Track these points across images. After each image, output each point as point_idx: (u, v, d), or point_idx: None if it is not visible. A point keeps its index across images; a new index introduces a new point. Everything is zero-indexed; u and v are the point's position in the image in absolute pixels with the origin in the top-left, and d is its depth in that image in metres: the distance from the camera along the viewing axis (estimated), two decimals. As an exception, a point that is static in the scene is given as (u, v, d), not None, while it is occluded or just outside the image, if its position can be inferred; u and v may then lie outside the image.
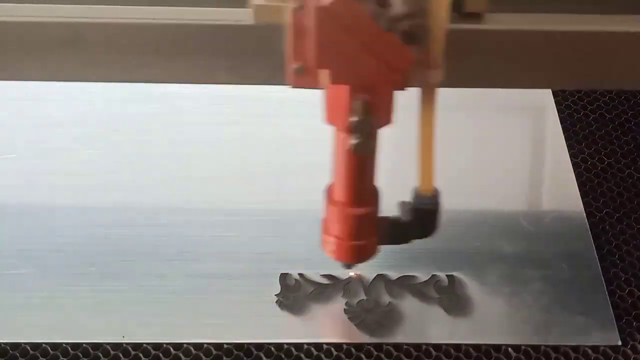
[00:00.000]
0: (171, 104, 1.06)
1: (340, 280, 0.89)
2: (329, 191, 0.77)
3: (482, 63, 0.76)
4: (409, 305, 0.88)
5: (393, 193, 1.00)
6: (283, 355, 0.85)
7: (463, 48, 0.72)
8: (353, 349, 0.85)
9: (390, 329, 0.86)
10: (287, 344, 0.85)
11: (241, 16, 0.76)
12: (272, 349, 0.85)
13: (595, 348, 0.86)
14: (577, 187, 0.99)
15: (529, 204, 0.99)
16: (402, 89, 0.69)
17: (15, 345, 0.84)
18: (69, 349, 0.84)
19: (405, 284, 0.89)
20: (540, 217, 0.96)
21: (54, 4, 0.80)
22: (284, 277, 0.90)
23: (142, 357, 0.84)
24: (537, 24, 0.74)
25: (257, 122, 1.05)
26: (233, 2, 0.77)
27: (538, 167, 1.04)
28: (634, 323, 0.88)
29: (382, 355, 0.85)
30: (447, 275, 0.90)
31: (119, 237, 0.93)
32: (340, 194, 0.76)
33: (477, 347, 0.86)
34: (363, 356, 0.85)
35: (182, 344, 0.85)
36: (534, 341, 0.86)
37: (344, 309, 0.88)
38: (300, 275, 0.90)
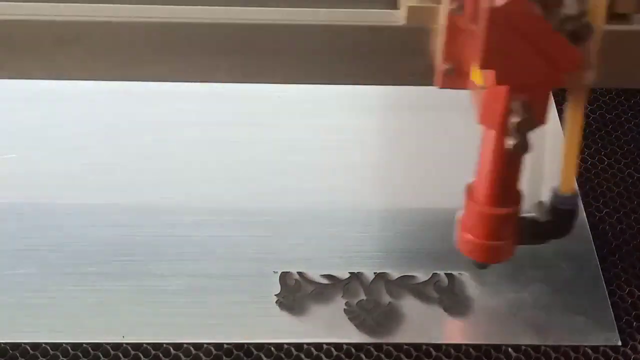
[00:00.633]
0: (171, 104, 1.06)
1: (340, 280, 0.89)
2: (471, 190, 0.77)
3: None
4: (409, 305, 0.88)
5: (393, 193, 1.00)
6: (283, 355, 0.85)
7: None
8: (353, 349, 0.85)
9: (390, 329, 0.86)
10: (287, 344, 0.85)
11: (393, 18, 0.76)
12: (272, 349, 0.85)
13: (595, 348, 0.86)
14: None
15: (529, 204, 0.99)
16: (558, 89, 0.69)
17: (15, 345, 0.84)
18: (69, 349, 0.84)
19: (405, 284, 0.89)
20: (541, 217, 0.96)
21: (53, 3, 0.80)
22: (284, 277, 0.90)
23: (142, 357, 0.84)
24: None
25: (257, 122, 1.05)
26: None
27: (538, 167, 1.04)
28: (634, 323, 0.88)
29: (382, 355, 0.85)
30: (447, 275, 0.90)
31: (119, 237, 0.93)
32: (486, 194, 0.77)
33: (477, 347, 0.86)
34: (363, 356, 0.85)
35: (182, 344, 0.85)
36: (534, 341, 0.86)
37: (344, 309, 0.87)
38: (300, 275, 0.90)
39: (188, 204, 0.96)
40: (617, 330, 0.87)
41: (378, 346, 0.85)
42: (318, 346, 0.85)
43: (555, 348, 0.86)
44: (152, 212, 0.95)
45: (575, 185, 0.77)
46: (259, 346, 0.85)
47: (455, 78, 0.71)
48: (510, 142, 0.71)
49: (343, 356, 0.85)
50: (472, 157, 1.03)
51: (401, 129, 1.07)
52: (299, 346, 0.85)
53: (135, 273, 0.90)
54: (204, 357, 0.84)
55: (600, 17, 0.68)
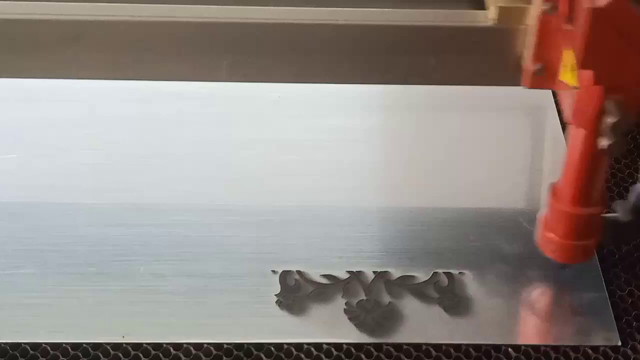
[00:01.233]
0: (171, 104, 1.06)
1: (340, 280, 0.89)
2: (556, 190, 0.77)
3: None
4: (409, 305, 0.88)
5: (393, 193, 1.00)
6: (283, 355, 0.85)
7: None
8: (353, 349, 0.85)
9: (390, 329, 0.86)
10: (287, 344, 0.85)
11: (480, 18, 0.76)
12: (272, 349, 0.85)
13: (595, 348, 0.86)
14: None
15: (529, 204, 0.99)
16: None
17: (15, 345, 0.84)
18: (69, 349, 0.84)
19: (405, 283, 0.89)
20: (541, 217, 0.97)
21: (53, 2, 0.80)
22: (284, 277, 0.90)
23: (142, 357, 0.84)
24: None
25: (256, 122, 1.05)
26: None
27: (538, 167, 1.04)
28: (634, 323, 0.88)
29: (382, 355, 0.85)
30: (447, 275, 0.90)
31: (119, 237, 0.93)
32: (573, 194, 0.77)
33: (477, 347, 0.86)
34: (363, 356, 0.85)
35: (182, 344, 0.85)
36: (534, 341, 0.86)
37: (344, 309, 0.87)
38: (301, 275, 0.90)
39: (188, 204, 0.96)
40: (617, 330, 0.87)
41: (378, 346, 0.85)
42: (318, 346, 0.85)
43: (555, 348, 0.86)
44: (152, 212, 0.95)
45: None
46: (259, 346, 0.85)
47: (544, 78, 0.71)
48: (604, 142, 0.71)
49: (343, 356, 0.85)
50: (471, 157, 1.03)
51: (401, 129, 1.07)
52: (299, 346, 0.85)
53: (135, 273, 0.90)
54: (204, 357, 0.84)
55: None
